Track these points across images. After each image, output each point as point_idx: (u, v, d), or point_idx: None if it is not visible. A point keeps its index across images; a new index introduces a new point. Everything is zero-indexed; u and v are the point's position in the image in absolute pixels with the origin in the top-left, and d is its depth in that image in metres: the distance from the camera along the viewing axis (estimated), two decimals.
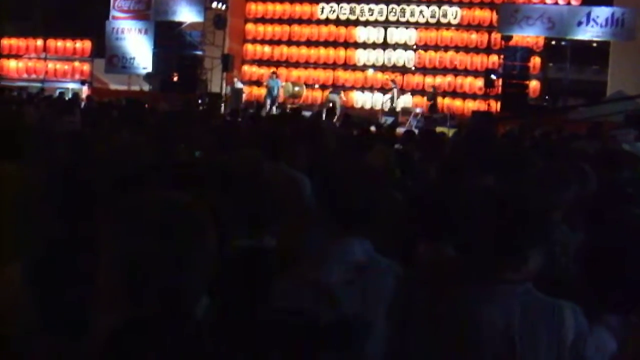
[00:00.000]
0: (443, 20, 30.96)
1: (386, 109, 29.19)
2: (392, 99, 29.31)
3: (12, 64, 34.64)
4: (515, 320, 2.95)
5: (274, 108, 28.61)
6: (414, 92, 31.00)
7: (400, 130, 18.34)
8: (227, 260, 4.02)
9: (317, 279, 3.42)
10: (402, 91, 30.37)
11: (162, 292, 2.14)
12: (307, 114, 24.45)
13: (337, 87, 31.35)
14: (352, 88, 31.75)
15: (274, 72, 31.14)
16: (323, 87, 31.85)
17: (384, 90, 30.78)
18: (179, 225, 2.17)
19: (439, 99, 29.89)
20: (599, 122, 19.01)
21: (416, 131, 22.68)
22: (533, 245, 3.04)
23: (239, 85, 31.13)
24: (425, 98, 30.27)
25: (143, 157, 6.76)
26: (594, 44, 30.36)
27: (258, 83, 32.66)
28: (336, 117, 22.80)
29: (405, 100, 30.49)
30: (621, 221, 3.60)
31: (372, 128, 21.67)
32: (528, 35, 28.78)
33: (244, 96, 31.21)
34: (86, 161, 5.04)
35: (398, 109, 28.98)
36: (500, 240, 3.02)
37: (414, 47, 31.48)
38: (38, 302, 3.24)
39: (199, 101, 27.03)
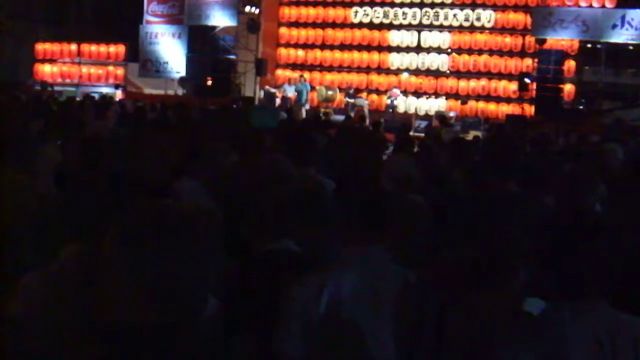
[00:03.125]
0: (477, 24, 30.88)
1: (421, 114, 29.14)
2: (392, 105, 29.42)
3: (46, 68, 34.92)
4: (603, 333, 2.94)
5: (304, 112, 28.56)
6: (448, 96, 30.95)
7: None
8: (256, 262, 4.04)
9: (328, 284, 3.43)
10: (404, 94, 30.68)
11: (175, 294, 2.16)
12: (339, 118, 24.46)
13: (371, 91, 31.41)
14: (386, 92, 31.51)
15: (301, 76, 31.21)
16: (357, 90, 31.78)
17: (417, 94, 30.80)
18: (186, 232, 2.19)
19: (472, 103, 29.92)
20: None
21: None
22: None
23: (273, 90, 31.18)
24: (459, 102, 30.27)
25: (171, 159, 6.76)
26: (630, 47, 30.08)
27: None
28: (367, 121, 22.59)
29: (440, 105, 30.48)
30: None
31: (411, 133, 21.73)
32: (562, 39, 28.56)
33: (278, 101, 31.29)
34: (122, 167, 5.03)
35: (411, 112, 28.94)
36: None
37: (448, 50, 31.40)
38: None
39: (233, 105, 27.07)
